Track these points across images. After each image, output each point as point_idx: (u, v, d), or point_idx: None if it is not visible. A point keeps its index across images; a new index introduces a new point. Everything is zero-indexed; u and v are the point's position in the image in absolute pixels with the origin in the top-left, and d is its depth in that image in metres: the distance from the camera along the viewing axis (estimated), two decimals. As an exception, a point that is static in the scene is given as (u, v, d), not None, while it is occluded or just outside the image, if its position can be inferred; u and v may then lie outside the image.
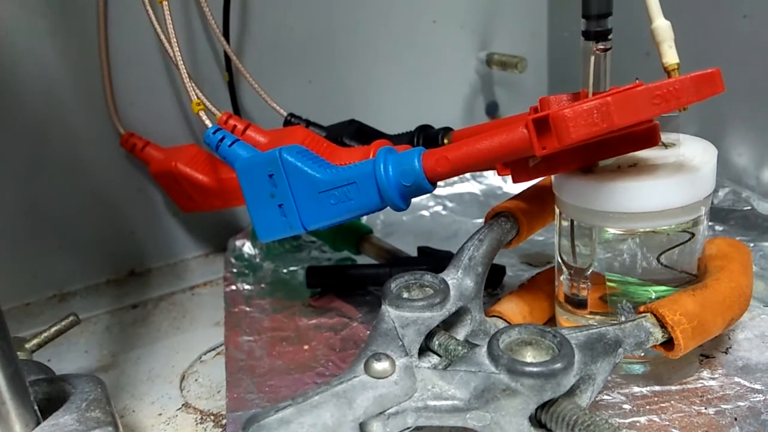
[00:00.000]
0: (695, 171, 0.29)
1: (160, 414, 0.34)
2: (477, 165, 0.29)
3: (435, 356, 0.29)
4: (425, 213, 0.54)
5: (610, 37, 0.30)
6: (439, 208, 0.54)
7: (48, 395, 0.27)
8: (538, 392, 0.23)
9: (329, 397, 0.24)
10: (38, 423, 0.24)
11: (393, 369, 0.25)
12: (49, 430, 0.24)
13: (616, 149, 0.30)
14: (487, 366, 0.24)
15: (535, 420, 0.25)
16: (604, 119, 0.25)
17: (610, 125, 0.25)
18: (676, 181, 0.29)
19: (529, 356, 0.25)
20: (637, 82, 0.26)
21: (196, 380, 0.37)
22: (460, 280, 0.30)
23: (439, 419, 0.25)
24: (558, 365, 0.23)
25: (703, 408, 0.29)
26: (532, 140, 0.27)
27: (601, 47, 0.30)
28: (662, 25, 0.28)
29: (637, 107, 0.25)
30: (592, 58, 0.31)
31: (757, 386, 0.30)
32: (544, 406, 0.24)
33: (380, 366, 0.25)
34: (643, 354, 0.31)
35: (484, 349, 0.25)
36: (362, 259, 0.45)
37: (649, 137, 0.30)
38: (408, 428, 0.25)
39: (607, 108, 0.25)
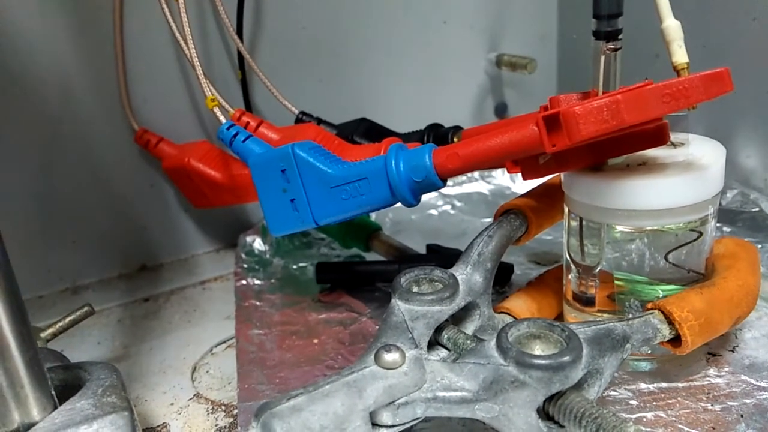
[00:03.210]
0: (704, 169, 0.29)
1: (172, 404, 0.34)
2: (487, 162, 0.30)
3: (444, 350, 0.29)
4: (434, 212, 0.54)
5: (620, 36, 0.31)
6: (447, 207, 0.55)
7: (64, 381, 0.27)
8: (546, 384, 0.24)
9: (340, 386, 0.24)
10: (55, 407, 0.25)
11: (403, 360, 0.25)
12: (66, 414, 0.24)
13: (625, 147, 0.30)
14: (496, 358, 0.25)
15: (543, 412, 0.25)
16: (614, 117, 0.25)
17: (620, 123, 0.26)
18: (684, 180, 0.29)
19: (538, 349, 0.25)
20: (647, 81, 0.27)
21: (207, 372, 0.37)
22: (469, 275, 0.31)
23: (447, 410, 0.25)
24: (566, 358, 0.24)
25: (710, 405, 0.29)
26: (543, 137, 0.27)
27: (611, 47, 0.31)
28: (672, 25, 0.28)
29: (647, 105, 0.26)
30: (603, 58, 0.31)
31: (764, 384, 0.30)
32: (552, 398, 0.24)
33: (390, 357, 0.25)
34: (650, 351, 0.31)
35: (493, 342, 0.25)
36: (371, 257, 0.46)
37: (658, 136, 0.30)
38: (417, 418, 0.25)
39: (617, 106, 0.25)
